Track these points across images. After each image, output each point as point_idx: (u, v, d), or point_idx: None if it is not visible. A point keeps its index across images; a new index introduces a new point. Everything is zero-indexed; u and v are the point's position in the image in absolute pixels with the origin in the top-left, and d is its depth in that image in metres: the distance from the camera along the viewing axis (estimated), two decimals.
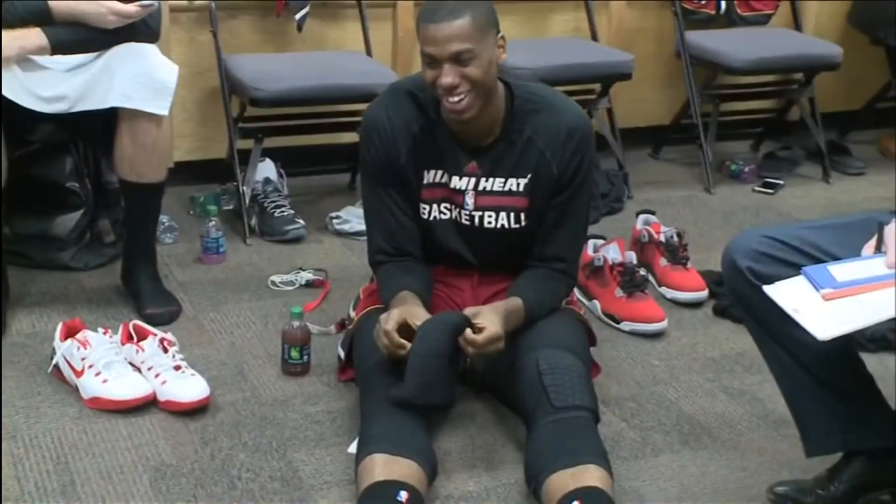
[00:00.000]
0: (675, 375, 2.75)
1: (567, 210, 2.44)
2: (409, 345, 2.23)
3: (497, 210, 2.42)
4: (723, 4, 4.22)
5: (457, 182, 2.42)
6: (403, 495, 2.03)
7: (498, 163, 2.40)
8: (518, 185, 2.41)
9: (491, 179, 2.41)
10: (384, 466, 2.08)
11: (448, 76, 2.23)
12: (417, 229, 2.47)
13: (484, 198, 2.42)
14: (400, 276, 2.43)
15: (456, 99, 2.26)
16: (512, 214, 2.43)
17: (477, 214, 2.43)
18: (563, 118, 2.40)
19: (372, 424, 2.21)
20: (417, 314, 2.28)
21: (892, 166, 4.35)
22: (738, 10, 4.26)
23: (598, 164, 3.66)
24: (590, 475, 2.08)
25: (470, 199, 2.41)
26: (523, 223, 2.44)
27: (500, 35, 2.31)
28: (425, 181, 2.43)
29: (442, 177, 2.43)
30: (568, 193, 2.42)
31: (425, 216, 2.46)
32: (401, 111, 2.39)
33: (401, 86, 2.47)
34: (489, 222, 2.43)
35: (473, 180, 2.41)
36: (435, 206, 2.45)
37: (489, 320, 2.25)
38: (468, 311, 2.30)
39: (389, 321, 2.25)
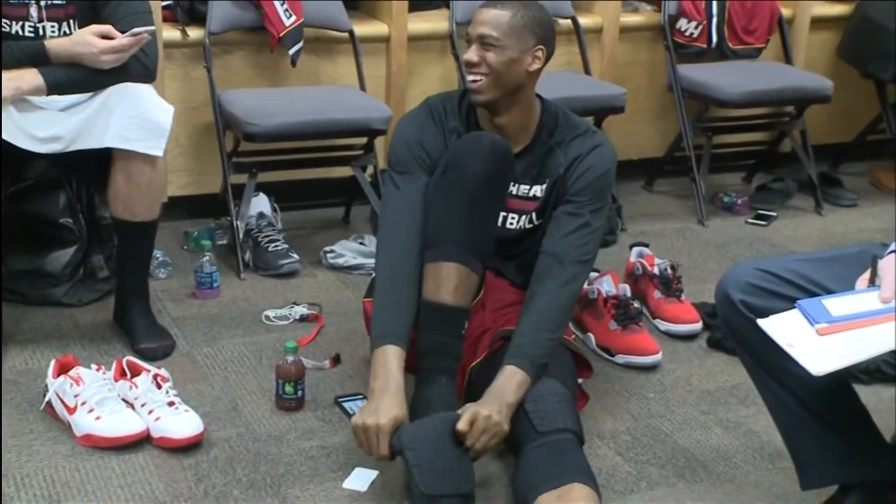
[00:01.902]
0: (669, 408, 2.74)
1: (576, 214, 2.51)
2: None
3: (520, 213, 2.57)
4: (714, 38, 4.25)
5: None
6: None
7: (525, 171, 2.56)
8: (541, 190, 2.57)
9: (517, 185, 2.56)
10: None
11: (471, 53, 2.47)
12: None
13: (512, 200, 2.55)
14: (401, 275, 2.40)
15: (472, 77, 2.47)
16: (527, 216, 2.58)
17: (503, 215, 2.56)
18: (597, 155, 2.54)
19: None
20: (402, 412, 2.25)
21: (884, 198, 4.37)
22: (730, 44, 4.29)
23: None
24: (575, 494, 2.10)
25: None
26: (535, 222, 2.58)
27: (538, 48, 2.49)
28: None
29: None
30: (576, 205, 2.51)
31: None
32: (453, 107, 2.56)
33: (458, 92, 2.62)
34: (511, 224, 2.57)
35: None
36: None
37: (470, 411, 2.22)
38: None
39: (381, 441, 2.21)
